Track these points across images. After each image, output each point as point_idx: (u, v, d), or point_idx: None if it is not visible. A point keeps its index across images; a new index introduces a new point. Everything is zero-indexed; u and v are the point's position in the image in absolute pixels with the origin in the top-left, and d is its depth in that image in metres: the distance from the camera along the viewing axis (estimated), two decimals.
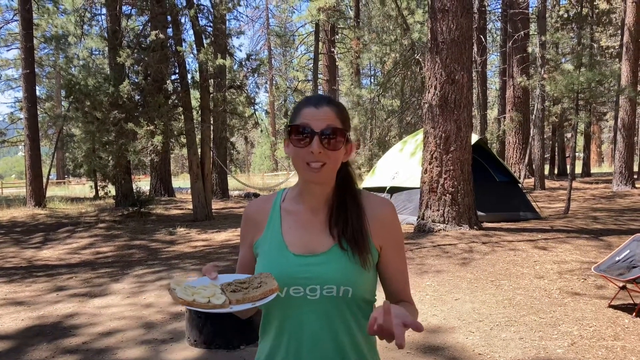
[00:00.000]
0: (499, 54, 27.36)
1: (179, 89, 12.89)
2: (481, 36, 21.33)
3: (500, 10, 25.38)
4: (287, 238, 1.30)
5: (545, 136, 23.07)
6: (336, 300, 1.24)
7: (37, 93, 20.15)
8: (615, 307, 4.76)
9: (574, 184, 15.87)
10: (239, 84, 13.60)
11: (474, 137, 9.58)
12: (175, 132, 13.54)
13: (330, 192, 1.33)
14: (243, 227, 1.41)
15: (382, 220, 1.32)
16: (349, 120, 1.31)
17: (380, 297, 1.35)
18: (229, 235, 10.18)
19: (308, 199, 1.33)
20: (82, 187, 28.69)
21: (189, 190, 14.87)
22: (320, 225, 1.31)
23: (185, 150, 14.26)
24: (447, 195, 8.43)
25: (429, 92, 8.64)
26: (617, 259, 4.94)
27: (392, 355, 3.86)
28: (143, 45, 12.59)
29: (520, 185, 11.14)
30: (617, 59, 22.64)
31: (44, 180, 17.11)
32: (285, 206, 1.36)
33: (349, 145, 1.30)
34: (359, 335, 1.29)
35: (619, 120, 17.16)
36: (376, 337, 1.36)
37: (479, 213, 9.05)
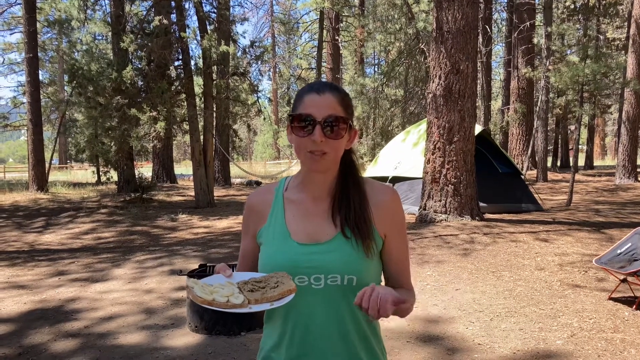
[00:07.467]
0: (504, 45, 27.16)
1: (182, 75, 12.84)
2: (486, 26, 21.17)
3: (506, 0, 25.19)
4: (290, 227, 1.29)
5: (548, 128, 23.00)
6: (341, 289, 1.23)
7: (40, 77, 20.11)
8: (616, 300, 4.76)
9: (577, 177, 15.84)
10: (242, 71, 13.56)
11: (478, 128, 9.54)
12: (178, 119, 13.54)
13: (333, 181, 1.31)
14: (245, 217, 1.40)
15: (385, 207, 1.32)
16: (351, 106, 1.29)
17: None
18: (231, 223, 10.19)
19: (311, 187, 1.31)
20: (84, 172, 28.70)
21: (191, 177, 14.88)
22: (323, 214, 1.29)
23: (187, 137, 14.26)
24: (450, 185, 8.41)
25: (433, 82, 8.59)
26: (619, 251, 4.94)
27: (392, 344, 3.88)
28: (147, 31, 12.53)
29: (522, 177, 11.11)
30: (623, 51, 22.52)
31: (47, 164, 17.14)
32: (288, 195, 1.34)
33: (352, 131, 1.28)
34: (364, 323, 1.28)
35: (623, 113, 17.08)
36: (379, 324, 1.36)
37: (481, 204, 9.03)
